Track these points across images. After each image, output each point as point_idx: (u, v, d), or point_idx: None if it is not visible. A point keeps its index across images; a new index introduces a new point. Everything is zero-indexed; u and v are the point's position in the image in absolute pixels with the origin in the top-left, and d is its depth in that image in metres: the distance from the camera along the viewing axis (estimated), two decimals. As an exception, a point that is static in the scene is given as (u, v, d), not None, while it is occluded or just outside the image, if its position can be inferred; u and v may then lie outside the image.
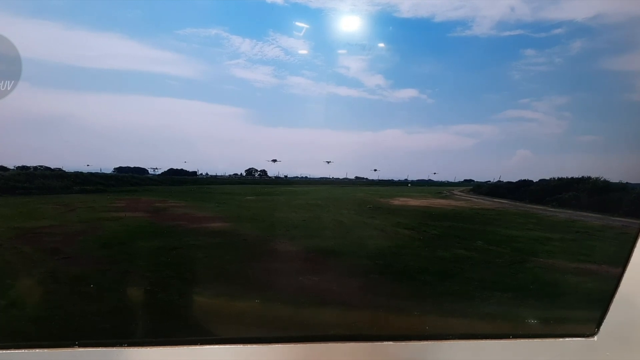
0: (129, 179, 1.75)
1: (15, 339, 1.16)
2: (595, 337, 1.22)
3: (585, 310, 1.37)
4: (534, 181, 2.86)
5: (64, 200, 2.14)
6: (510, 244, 2.95)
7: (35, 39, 1.45)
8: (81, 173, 1.85)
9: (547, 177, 2.70)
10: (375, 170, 2.38)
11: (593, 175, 2.52)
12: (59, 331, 1.34)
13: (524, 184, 2.72)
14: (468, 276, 2.45)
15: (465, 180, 2.77)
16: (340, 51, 1.81)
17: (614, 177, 2.47)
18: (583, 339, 1.21)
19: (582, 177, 2.54)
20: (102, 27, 1.53)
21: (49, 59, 1.52)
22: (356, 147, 2.24)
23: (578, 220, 2.74)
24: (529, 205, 2.82)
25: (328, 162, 2.26)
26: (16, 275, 1.47)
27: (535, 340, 1.22)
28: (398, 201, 2.95)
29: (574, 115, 2.46)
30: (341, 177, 2.33)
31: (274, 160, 2.28)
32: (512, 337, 1.23)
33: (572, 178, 2.57)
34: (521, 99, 2.55)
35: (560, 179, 2.59)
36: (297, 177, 2.36)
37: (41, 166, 1.63)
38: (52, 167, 1.67)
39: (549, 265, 2.54)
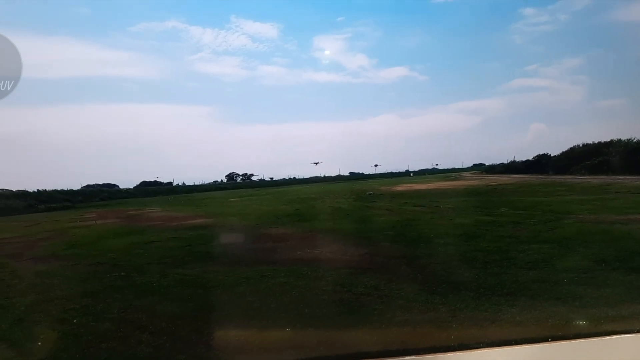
0: (99, 194, 1.62)
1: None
2: None
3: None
4: (554, 155, 2.56)
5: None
6: (540, 207, 2.64)
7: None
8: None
9: (567, 148, 2.39)
10: (376, 165, 2.16)
11: (624, 138, 2.19)
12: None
13: (543, 158, 2.42)
14: (496, 235, 2.20)
15: (474, 165, 2.49)
16: (314, 31, 1.70)
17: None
18: (633, 335, 1.10)
19: (612, 140, 2.22)
20: (48, 31, 1.47)
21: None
22: (346, 139, 2.05)
23: (614, 183, 2.39)
24: (553, 176, 2.49)
25: (316, 163, 2.07)
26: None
27: (584, 340, 1.12)
28: (402, 187, 2.73)
29: (591, 78, 2.18)
30: (334, 174, 2.12)
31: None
32: (565, 339, 1.14)
33: (599, 143, 2.25)
34: (527, 66, 2.29)
35: (585, 145, 2.27)
36: (284, 178, 2.15)
37: (2, 189, 1.53)
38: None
39: (590, 220, 2.22)
